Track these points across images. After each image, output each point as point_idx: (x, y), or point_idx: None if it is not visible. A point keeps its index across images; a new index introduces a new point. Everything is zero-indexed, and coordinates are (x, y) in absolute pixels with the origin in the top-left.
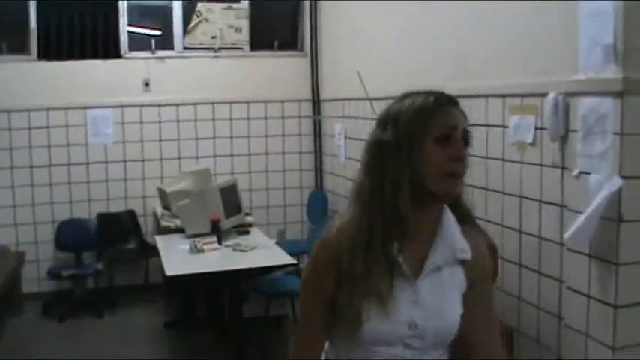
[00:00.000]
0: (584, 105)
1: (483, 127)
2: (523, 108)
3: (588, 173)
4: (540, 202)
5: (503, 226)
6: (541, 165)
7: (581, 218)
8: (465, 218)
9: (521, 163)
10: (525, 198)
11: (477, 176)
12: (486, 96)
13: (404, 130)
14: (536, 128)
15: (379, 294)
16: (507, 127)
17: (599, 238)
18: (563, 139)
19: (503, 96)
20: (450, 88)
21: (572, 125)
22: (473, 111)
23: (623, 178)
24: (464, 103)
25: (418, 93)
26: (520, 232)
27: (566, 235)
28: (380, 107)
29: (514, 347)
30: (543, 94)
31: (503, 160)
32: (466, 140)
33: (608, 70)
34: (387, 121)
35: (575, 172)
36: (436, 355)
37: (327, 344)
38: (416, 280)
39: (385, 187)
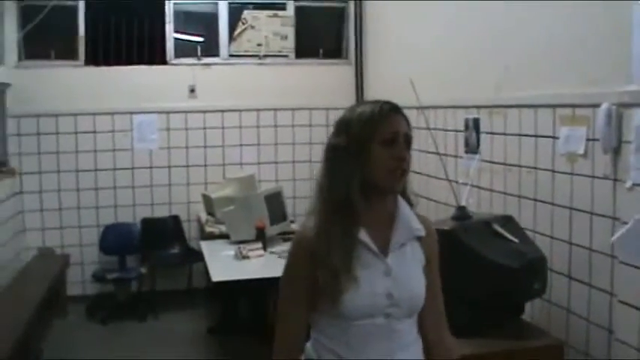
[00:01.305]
0: (638, 116)
1: (532, 138)
2: (574, 119)
3: None
4: (591, 213)
5: (552, 237)
6: (592, 176)
7: (634, 230)
8: (410, 205)
9: (572, 174)
10: (575, 209)
11: (525, 187)
12: (536, 106)
13: (354, 135)
14: (587, 139)
15: (344, 272)
16: (557, 137)
17: None
18: (616, 151)
19: (554, 106)
20: (498, 98)
21: (626, 137)
22: (522, 121)
23: None
24: (513, 113)
25: (366, 103)
26: (570, 243)
27: (615, 244)
28: (428, 116)
29: None
30: (595, 105)
31: (553, 171)
32: (408, 142)
33: None
34: (340, 128)
35: (629, 184)
36: (409, 323)
37: (307, 344)
38: (385, 256)
39: (339, 184)
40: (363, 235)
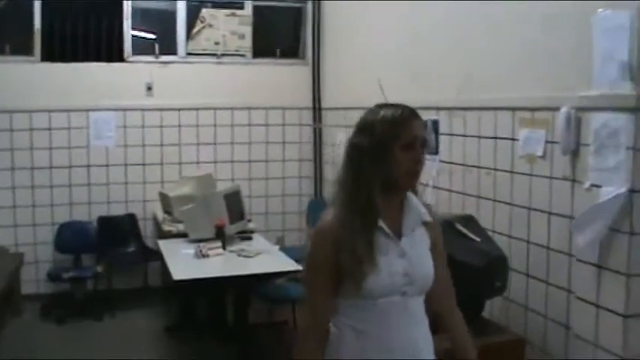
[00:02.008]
0: (596, 120)
1: (492, 140)
2: (534, 121)
3: (600, 186)
4: (550, 213)
5: (510, 236)
6: (551, 177)
7: (591, 229)
8: (415, 193)
9: (531, 175)
10: (534, 209)
11: (485, 187)
12: (496, 109)
13: (377, 137)
14: (546, 142)
15: (368, 257)
16: (517, 139)
17: (608, 249)
18: (575, 153)
19: (514, 109)
20: (459, 101)
21: (584, 139)
22: (482, 123)
23: (635, 191)
24: (472, 116)
25: (388, 106)
26: (528, 242)
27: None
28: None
29: (521, 357)
30: (555, 109)
31: (512, 172)
32: (423, 145)
33: (622, 86)
34: (363, 129)
35: (587, 185)
36: (420, 301)
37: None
38: (400, 239)
39: (361, 181)
40: (380, 222)
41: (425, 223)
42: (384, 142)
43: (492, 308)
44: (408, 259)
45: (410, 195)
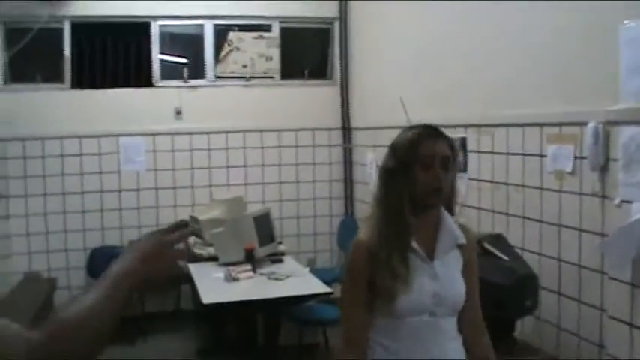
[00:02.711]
0: (624, 134)
1: (520, 156)
2: (562, 137)
3: (630, 202)
4: (580, 230)
5: (540, 254)
6: (580, 194)
7: (623, 247)
8: (451, 214)
9: (560, 191)
10: (564, 226)
11: (514, 205)
12: (523, 125)
13: (400, 159)
14: (575, 157)
15: (401, 275)
16: (545, 156)
17: None
18: (603, 168)
19: (541, 125)
20: (486, 117)
21: (613, 154)
22: (510, 140)
23: None
24: (500, 132)
25: (412, 128)
26: (559, 260)
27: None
28: None
29: None
30: (582, 124)
31: (541, 188)
32: (445, 163)
33: None
34: (390, 152)
35: (617, 201)
36: (452, 321)
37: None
38: (432, 261)
39: (391, 201)
40: (414, 243)
41: (459, 246)
42: (406, 163)
43: (524, 328)
44: (440, 282)
45: (446, 217)
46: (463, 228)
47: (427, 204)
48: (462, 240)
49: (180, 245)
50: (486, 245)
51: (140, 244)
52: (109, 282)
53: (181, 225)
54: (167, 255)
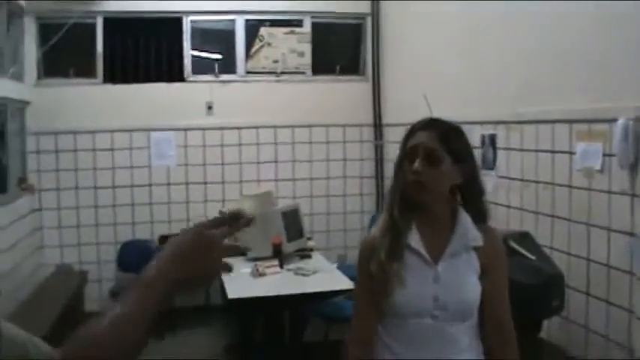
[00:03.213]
0: None
1: (549, 153)
2: (591, 134)
3: None
4: (609, 229)
5: (569, 254)
6: (610, 192)
7: None
8: (482, 218)
9: (589, 189)
10: (593, 225)
11: (542, 203)
12: (552, 122)
13: (398, 154)
14: (604, 155)
15: (389, 271)
16: (574, 153)
17: None
18: (633, 166)
19: (570, 122)
20: (515, 114)
21: None
22: (539, 137)
23: None
24: (529, 129)
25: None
26: (588, 260)
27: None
28: None
29: None
30: (612, 120)
31: (570, 186)
32: (429, 156)
33: None
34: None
35: None
36: (462, 328)
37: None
38: (437, 263)
39: (389, 195)
40: (416, 243)
41: (476, 248)
42: (399, 157)
43: (551, 328)
44: (442, 286)
45: (462, 217)
46: (486, 231)
47: (411, 197)
48: (476, 242)
49: (230, 240)
50: (512, 244)
51: (177, 240)
52: (137, 291)
53: (235, 217)
54: (212, 251)
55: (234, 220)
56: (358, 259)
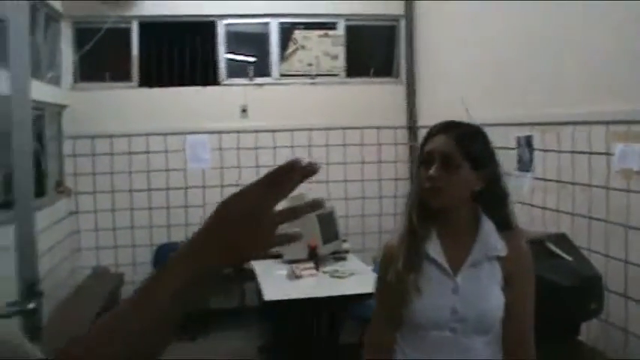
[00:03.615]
0: None
1: (586, 155)
2: (629, 135)
3: None
4: None
5: (607, 256)
6: None
7: None
8: (507, 224)
9: (628, 191)
10: (631, 227)
11: (579, 204)
12: (589, 123)
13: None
14: None
15: (405, 280)
16: (612, 154)
17: None
18: None
19: (607, 123)
20: (551, 115)
21: None
22: (575, 138)
23: None
24: (566, 130)
25: None
26: (626, 262)
27: None
28: None
29: None
30: None
31: (607, 188)
32: (445, 161)
33: None
34: None
35: None
36: (482, 341)
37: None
38: (456, 274)
39: (408, 201)
40: (435, 252)
41: (499, 257)
42: (417, 162)
43: (589, 331)
44: (462, 296)
45: (485, 225)
46: (512, 236)
47: (427, 203)
48: (498, 252)
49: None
50: (549, 245)
51: (228, 199)
52: (150, 278)
53: (315, 205)
54: (265, 223)
55: (310, 207)
56: (379, 264)
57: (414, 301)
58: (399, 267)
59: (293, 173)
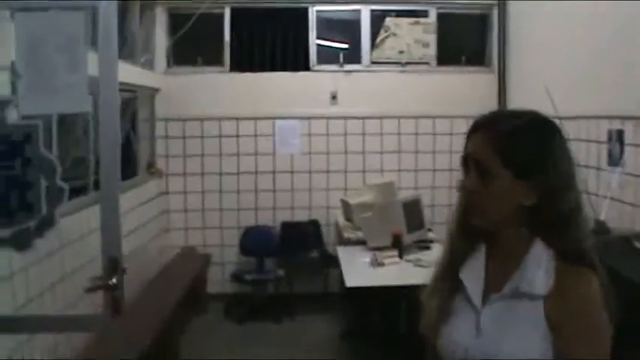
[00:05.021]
0: None
1: None
2: None
3: None
4: None
5: None
6: None
7: None
8: (575, 255)
9: None
10: None
11: None
12: None
13: None
14: None
15: (438, 310)
16: None
17: None
18: None
19: None
20: None
21: None
22: None
23: None
24: None
25: None
26: None
27: None
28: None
29: None
30: None
31: None
32: (480, 168)
33: None
34: None
35: None
36: None
37: None
38: (480, 308)
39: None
40: (468, 276)
41: (545, 297)
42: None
43: None
44: (481, 336)
45: (535, 253)
46: (569, 272)
47: (470, 223)
48: (535, 290)
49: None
50: (635, 243)
51: None
52: None
53: None
54: None
55: None
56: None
57: (439, 330)
58: (431, 285)
59: None
